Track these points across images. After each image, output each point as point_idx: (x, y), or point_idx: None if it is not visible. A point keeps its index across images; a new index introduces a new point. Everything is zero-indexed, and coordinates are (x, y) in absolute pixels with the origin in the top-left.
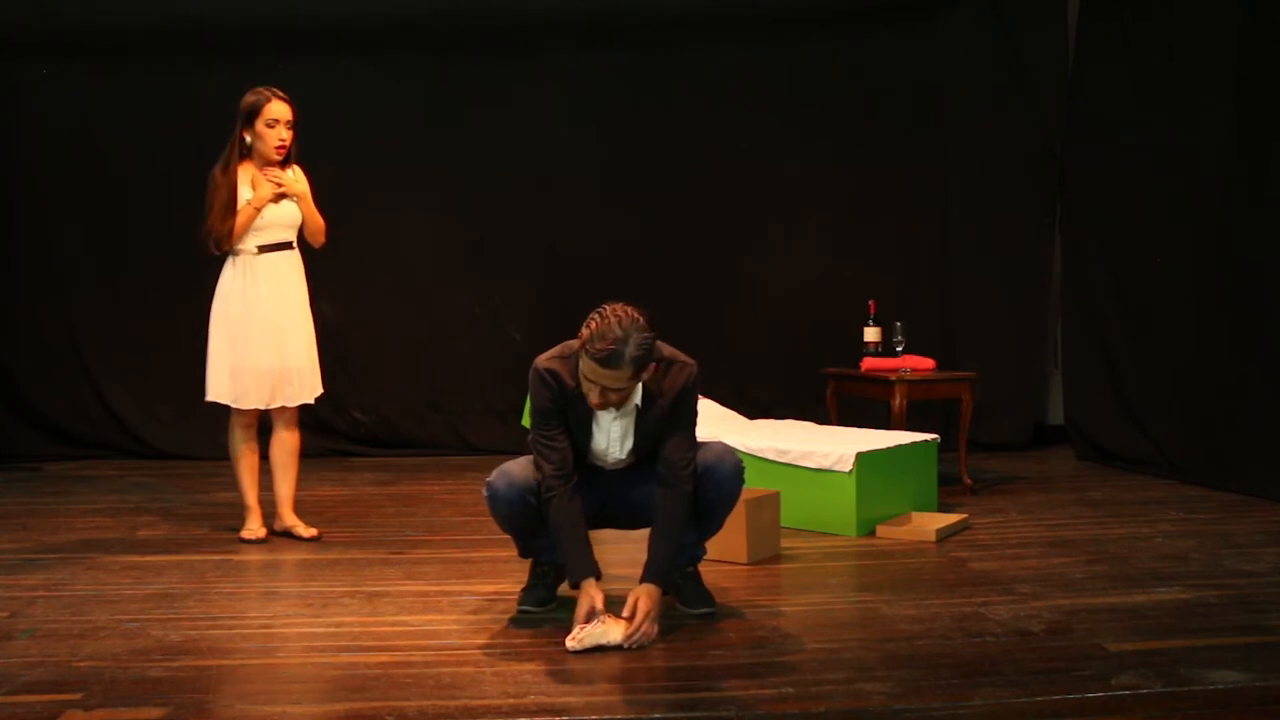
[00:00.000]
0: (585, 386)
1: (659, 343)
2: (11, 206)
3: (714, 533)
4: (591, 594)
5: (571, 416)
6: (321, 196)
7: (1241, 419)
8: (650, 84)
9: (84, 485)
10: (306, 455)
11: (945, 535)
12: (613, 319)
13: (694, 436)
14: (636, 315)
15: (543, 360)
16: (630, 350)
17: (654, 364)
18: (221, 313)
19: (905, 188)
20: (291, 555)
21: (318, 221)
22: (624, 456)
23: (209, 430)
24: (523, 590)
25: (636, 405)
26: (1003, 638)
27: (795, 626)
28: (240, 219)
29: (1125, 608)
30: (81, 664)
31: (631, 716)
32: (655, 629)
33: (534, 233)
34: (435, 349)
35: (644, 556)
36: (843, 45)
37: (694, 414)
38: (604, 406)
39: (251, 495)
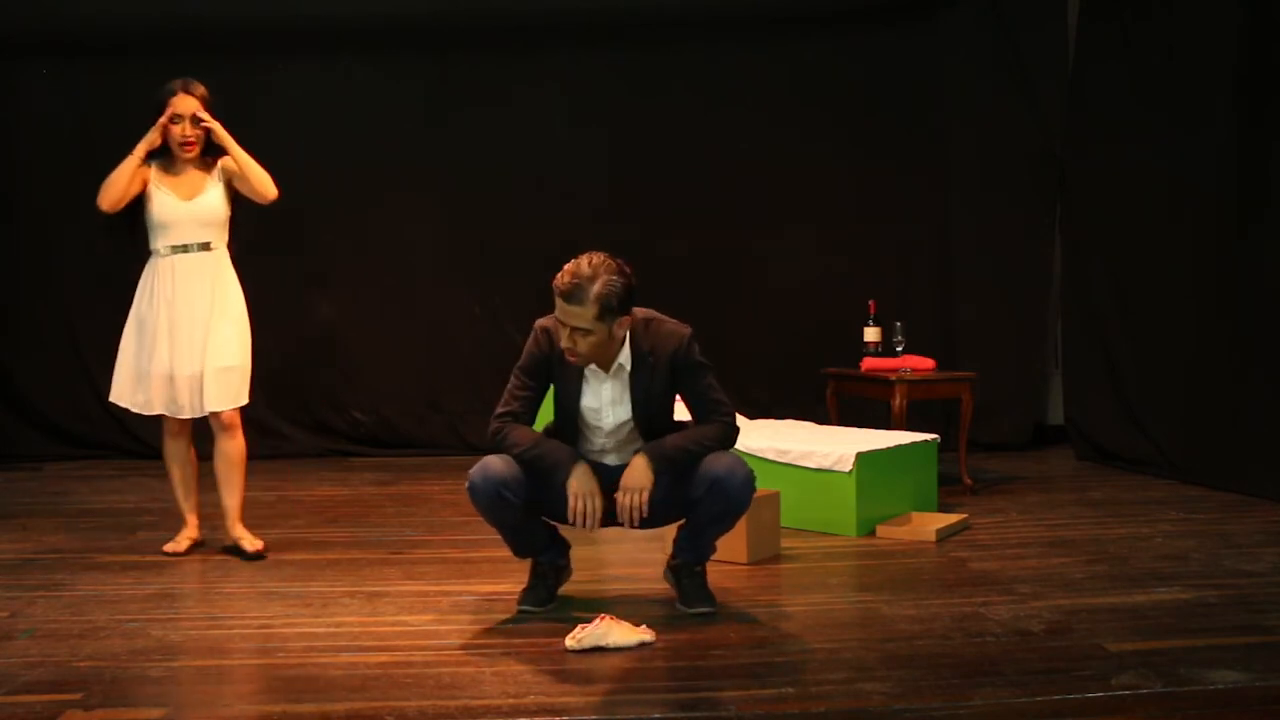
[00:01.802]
0: (556, 329)
1: (651, 311)
2: (11, 206)
3: (724, 533)
4: (587, 471)
5: (559, 377)
6: (321, 196)
7: (1241, 419)
8: (650, 84)
9: (84, 485)
10: (306, 455)
11: (945, 535)
12: (585, 260)
13: (717, 388)
14: (614, 262)
15: (544, 319)
16: (595, 288)
17: (626, 316)
18: (132, 315)
19: (905, 187)
20: (291, 555)
21: (257, 172)
22: (619, 422)
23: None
24: (523, 590)
25: (623, 365)
26: (1003, 638)
27: (795, 626)
28: (115, 173)
29: (1125, 608)
30: (81, 664)
31: (631, 717)
32: (636, 499)
33: (534, 233)
34: (435, 349)
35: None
36: (843, 45)
37: (706, 370)
38: (572, 352)
39: (186, 505)
